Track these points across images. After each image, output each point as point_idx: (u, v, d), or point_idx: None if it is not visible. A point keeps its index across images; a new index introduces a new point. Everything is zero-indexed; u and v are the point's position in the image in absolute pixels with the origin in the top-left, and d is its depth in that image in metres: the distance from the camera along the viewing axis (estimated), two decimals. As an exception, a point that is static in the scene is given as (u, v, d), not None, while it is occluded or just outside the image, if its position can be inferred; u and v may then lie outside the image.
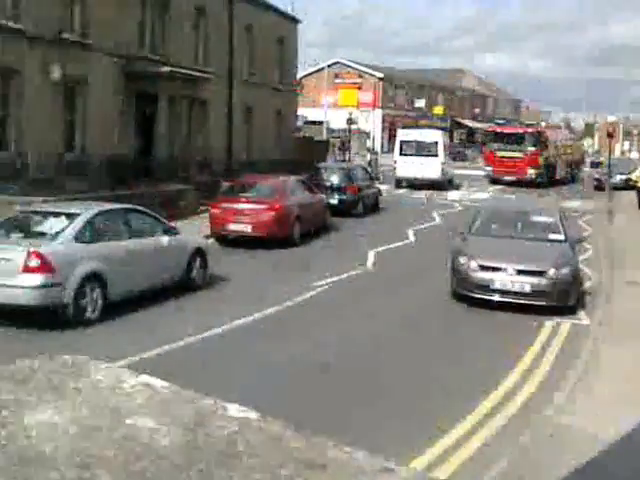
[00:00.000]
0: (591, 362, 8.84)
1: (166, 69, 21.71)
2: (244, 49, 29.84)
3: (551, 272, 11.27)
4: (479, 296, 11.41)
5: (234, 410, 0.89)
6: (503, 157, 36.70)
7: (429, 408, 7.45)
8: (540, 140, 37.13)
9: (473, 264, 11.56)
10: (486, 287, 11.39)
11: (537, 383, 8.34)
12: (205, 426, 0.85)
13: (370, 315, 11.23)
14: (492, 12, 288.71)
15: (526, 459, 6.11)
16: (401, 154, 33.21)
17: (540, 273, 11.30)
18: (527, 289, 11.20)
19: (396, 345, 9.80)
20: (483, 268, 11.48)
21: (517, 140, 37.23)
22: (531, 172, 35.85)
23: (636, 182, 24.63)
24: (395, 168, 33.51)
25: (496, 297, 11.31)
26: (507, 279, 11.28)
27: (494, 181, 37.14)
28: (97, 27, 20.24)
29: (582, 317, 11.31)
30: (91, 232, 10.61)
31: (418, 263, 15.62)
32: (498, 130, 40.72)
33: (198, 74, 24.43)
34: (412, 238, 19.04)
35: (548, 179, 36.64)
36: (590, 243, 18.28)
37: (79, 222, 10.45)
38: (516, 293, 11.25)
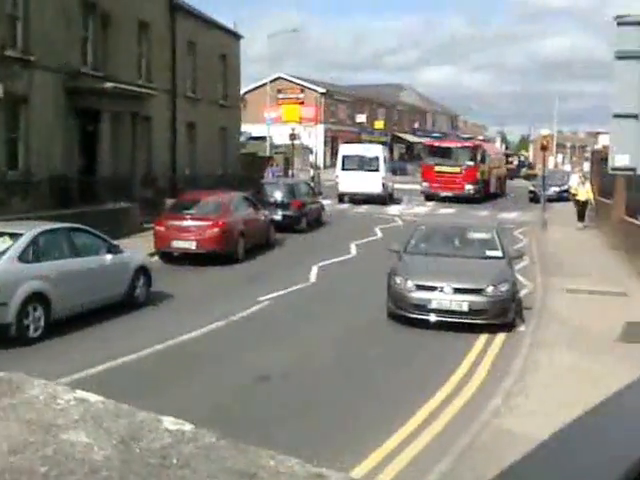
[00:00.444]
0: (526, 367, 9.07)
1: (109, 85, 21.40)
2: (187, 65, 29.67)
3: (489, 290, 10.99)
4: (416, 316, 11.04)
5: (168, 423, 0.90)
6: (441, 172, 34.89)
7: (365, 418, 7.53)
8: (478, 154, 35.98)
9: (409, 284, 11.16)
10: (423, 307, 11.00)
11: (474, 389, 8.53)
12: (139, 439, 0.85)
13: (310, 330, 11.26)
14: (432, 28, 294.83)
15: (465, 464, 6.21)
16: (343, 169, 33.22)
17: (478, 291, 11.00)
18: (465, 308, 10.87)
19: (333, 360, 9.84)
20: (419, 287, 11.12)
21: (455, 154, 35.72)
22: (469, 188, 34.54)
23: (574, 194, 25.02)
24: (338, 183, 33.51)
25: (433, 317, 10.95)
26: (444, 298, 10.93)
27: (431, 197, 35.46)
28: (39, 44, 19.83)
29: (518, 324, 11.56)
30: (34, 252, 10.46)
31: (360, 277, 15.71)
32: (436, 144, 38.65)
33: (141, 90, 24.18)
34: (354, 252, 19.17)
35: (483, 194, 35.95)
36: (525, 253, 18.74)
37: (22, 242, 10.30)
38: (454, 312, 10.89)
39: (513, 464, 0.75)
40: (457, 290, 10.95)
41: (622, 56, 7.66)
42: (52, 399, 0.96)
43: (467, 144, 37.67)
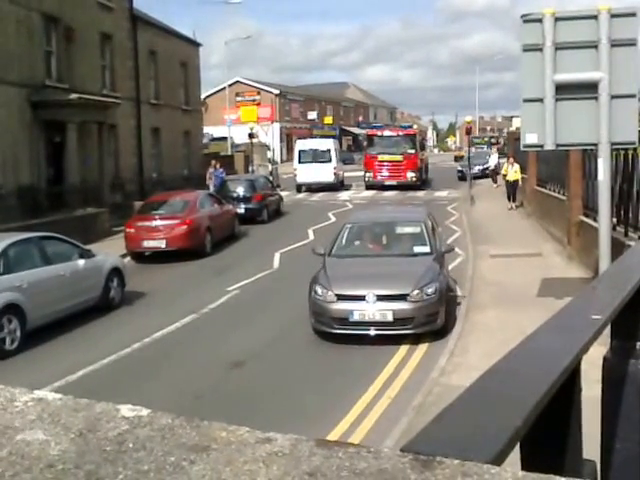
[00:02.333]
0: (464, 329, 9.48)
1: (74, 96, 20.94)
2: (149, 73, 29.34)
3: (414, 294, 9.24)
4: (339, 332, 9.28)
5: (125, 410, 0.86)
6: (383, 161, 32.62)
7: (333, 388, 7.65)
8: (417, 142, 34.10)
9: (330, 295, 9.37)
10: (345, 320, 9.20)
11: (422, 353, 8.94)
12: (96, 430, 0.82)
13: (277, 314, 11.21)
14: (372, 31, 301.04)
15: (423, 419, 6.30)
16: (300, 162, 34.21)
17: (402, 297, 9.24)
18: (389, 317, 9.11)
19: (302, 340, 9.77)
20: (341, 298, 9.31)
21: (396, 143, 33.25)
22: (411, 175, 32.38)
23: (504, 175, 23.80)
24: (295, 175, 34.37)
25: (356, 331, 9.24)
26: (367, 308, 9.16)
27: (374, 186, 32.87)
28: (1, 57, 19.29)
29: (456, 289, 11.78)
30: (5, 263, 10.06)
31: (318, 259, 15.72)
32: (378, 133, 34.92)
33: (106, 100, 23.75)
34: (312, 237, 19.20)
35: (422, 181, 34.04)
36: (458, 225, 19.85)
37: (-8, 254, 9.92)
38: (378, 323, 9.14)
39: (437, 415, 0.76)
40: (381, 297, 9.20)
41: (527, 49, 8.20)
42: (9, 402, 0.91)
43: (408, 132, 35.03)
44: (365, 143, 35.50)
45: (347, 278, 9.74)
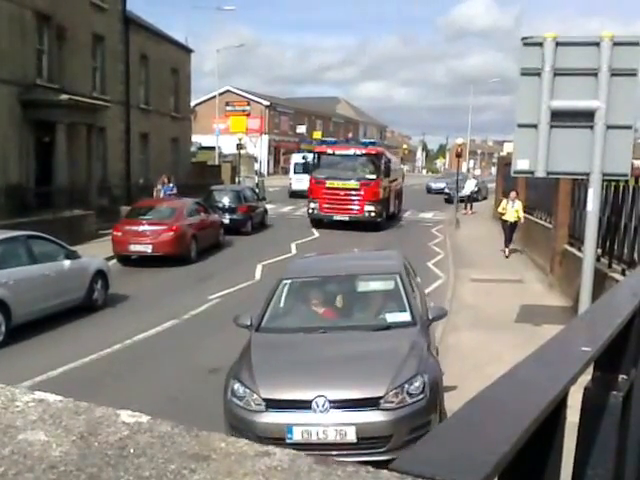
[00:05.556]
0: (439, 349, 9.40)
1: (64, 97, 20.83)
2: (140, 77, 29.15)
3: (390, 397, 5.70)
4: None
5: (125, 416, 0.87)
6: (333, 188, 24.15)
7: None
8: (381, 164, 25.14)
9: (255, 399, 5.80)
10: (280, 441, 5.37)
11: None
12: (97, 434, 0.82)
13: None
14: (369, 46, 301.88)
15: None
16: (295, 173, 38.61)
17: (371, 402, 5.67)
18: (351, 436, 5.58)
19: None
20: (273, 405, 5.74)
21: (352, 165, 24.81)
22: (370, 209, 24.02)
23: (502, 214, 18.43)
24: (291, 184, 39.06)
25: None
26: (316, 421, 5.60)
27: (319, 222, 24.39)
28: (-7, 56, 19.17)
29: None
30: (-9, 260, 10.06)
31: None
32: (328, 151, 25.47)
33: (96, 102, 23.62)
34: (294, 251, 19.15)
35: (385, 216, 25.46)
36: (441, 247, 19.84)
37: (-21, 250, 9.91)
38: (333, 446, 5.53)
39: (427, 435, 0.77)
40: (337, 404, 5.66)
41: (525, 72, 8.04)
42: (10, 402, 0.92)
43: (369, 150, 25.46)
44: (312, 162, 26.26)
45: (282, 371, 6.12)
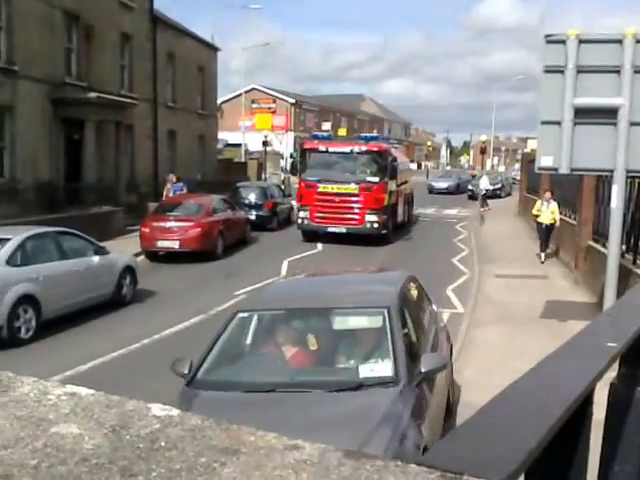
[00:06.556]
0: (464, 345, 9.41)
1: (93, 95, 21.09)
2: (167, 75, 29.33)
3: None
4: None
5: (156, 409, 0.88)
6: (326, 193, 19.78)
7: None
8: (386, 164, 20.29)
9: None
10: None
11: None
12: (128, 427, 0.83)
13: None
14: (394, 43, 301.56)
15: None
16: None
17: None
18: None
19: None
20: None
21: (350, 165, 20.04)
22: (372, 219, 19.57)
23: (536, 216, 16.68)
24: None
25: None
26: None
27: (311, 236, 20.03)
28: (23, 54, 19.39)
29: (457, 306, 11.87)
30: (23, 255, 10.22)
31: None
32: (320, 147, 20.46)
33: (124, 100, 23.87)
34: (320, 248, 19.15)
35: (392, 227, 20.86)
36: (465, 244, 19.81)
37: (10, 246, 10.07)
38: None
39: (453, 431, 0.78)
40: None
41: (549, 70, 8.07)
42: (43, 395, 0.93)
43: (370, 147, 20.52)
44: (301, 161, 21.93)
45: None
